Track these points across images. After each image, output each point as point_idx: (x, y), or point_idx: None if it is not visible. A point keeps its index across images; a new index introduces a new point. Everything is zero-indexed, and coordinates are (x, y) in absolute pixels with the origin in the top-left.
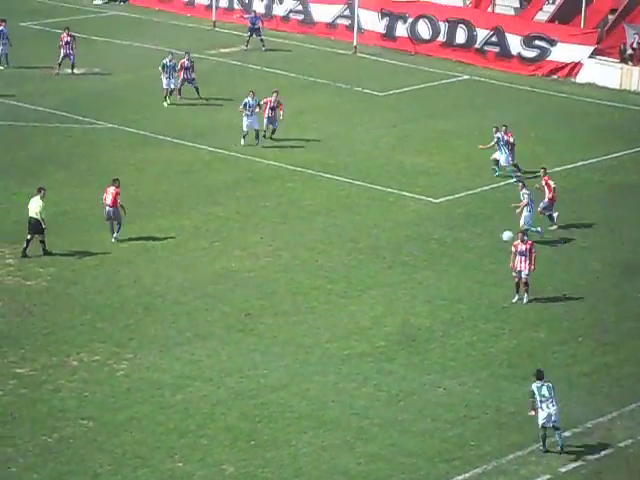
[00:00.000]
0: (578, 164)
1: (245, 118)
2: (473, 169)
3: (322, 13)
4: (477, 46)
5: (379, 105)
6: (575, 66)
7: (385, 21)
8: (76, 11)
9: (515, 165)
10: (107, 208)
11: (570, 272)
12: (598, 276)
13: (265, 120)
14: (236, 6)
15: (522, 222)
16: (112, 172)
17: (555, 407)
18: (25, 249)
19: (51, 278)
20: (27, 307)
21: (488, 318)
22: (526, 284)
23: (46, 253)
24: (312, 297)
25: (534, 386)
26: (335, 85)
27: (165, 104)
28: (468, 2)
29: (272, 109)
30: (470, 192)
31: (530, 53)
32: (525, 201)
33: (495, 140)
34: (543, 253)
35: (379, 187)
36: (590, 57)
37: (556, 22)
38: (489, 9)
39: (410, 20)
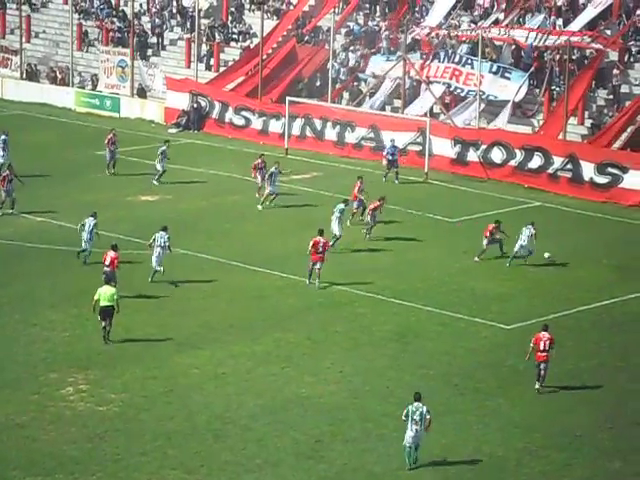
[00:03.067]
0: None
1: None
2: (545, 295)
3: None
4: (550, 171)
5: (450, 231)
6: None
7: (457, 148)
8: (151, 139)
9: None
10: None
11: None
12: None
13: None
14: (308, 134)
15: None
16: (184, 298)
17: (420, 429)
18: (107, 336)
19: (123, 404)
20: (99, 433)
21: (561, 447)
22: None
23: (109, 341)
24: (382, 424)
25: (410, 407)
26: (406, 211)
27: (260, 207)
28: (538, 129)
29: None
30: (542, 319)
31: (602, 180)
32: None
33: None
34: (618, 381)
35: (450, 313)
36: None
37: (628, 149)
38: (560, 136)
39: (483, 147)
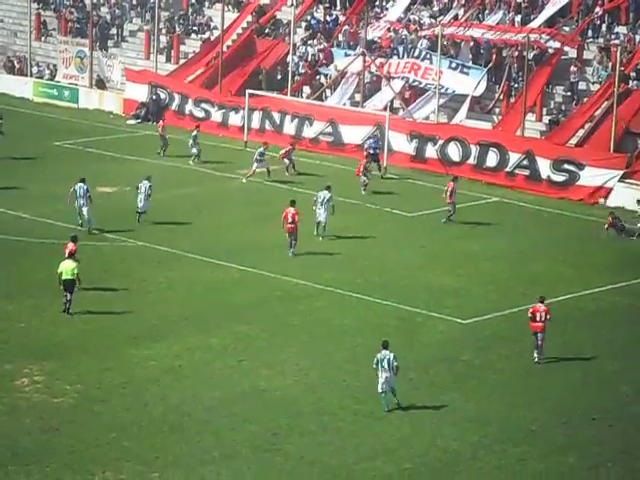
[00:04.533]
0: (607, 287)
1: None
2: (501, 291)
3: (352, 135)
4: (507, 169)
5: (408, 226)
6: (604, 190)
7: (415, 143)
8: (110, 131)
9: None
10: None
11: (599, 396)
12: (628, 400)
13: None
14: (267, 127)
15: None
16: (142, 289)
17: (390, 375)
18: (67, 308)
19: (78, 396)
20: (53, 425)
21: (516, 441)
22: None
23: (69, 313)
24: (339, 417)
25: (378, 355)
26: (365, 205)
27: (244, 180)
28: (496, 125)
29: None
30: (498, 314)
31: (559, 177)
32: None
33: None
34: (572, 376)
35: (407, 307)
36: (620, 181)
37: (585, 146)
38: (518, 132)
39: (440, 142)
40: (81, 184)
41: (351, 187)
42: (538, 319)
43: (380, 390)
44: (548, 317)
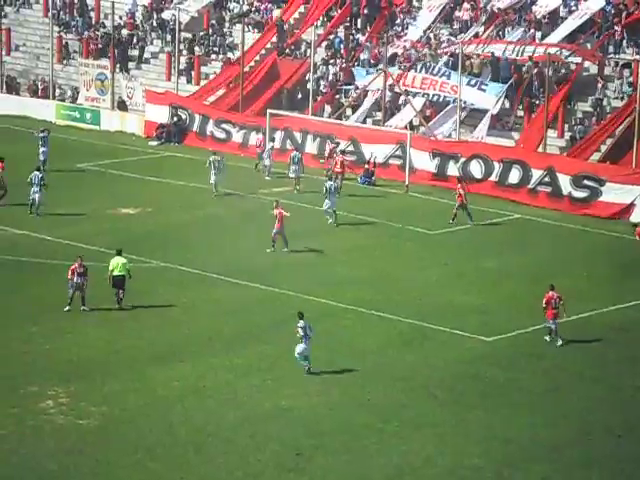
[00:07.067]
0: (630, 304)
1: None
2: (524, 308)
3: (374, 153)
4: (530, 186)
5: (430, 243)
6: (627, 207)
7: (437, 161)
8: (132, 152)
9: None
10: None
11: (623, 411)
12: None
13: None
14: (289, 146)
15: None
16: (165, 310)
17: (308, 342)
18: (120, 302)
19: (103, 417)
20: (78, 447)
21: (540, 458)
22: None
23: (121, 306)
24: (363, 436)
25: (300, 325)
26: (387, 223)
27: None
28: (518, 141)
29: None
30: (522, 331)
31: (581, 194)
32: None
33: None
34: (596, 393)
35: (431, 325)
36: None
37: (608, 162)
38: (540, 148)
39: (462, 160)
40: (36, 172)
41: (372, 205)
42: (554, 306)
43: (299, 354)
44: (561, 302)
